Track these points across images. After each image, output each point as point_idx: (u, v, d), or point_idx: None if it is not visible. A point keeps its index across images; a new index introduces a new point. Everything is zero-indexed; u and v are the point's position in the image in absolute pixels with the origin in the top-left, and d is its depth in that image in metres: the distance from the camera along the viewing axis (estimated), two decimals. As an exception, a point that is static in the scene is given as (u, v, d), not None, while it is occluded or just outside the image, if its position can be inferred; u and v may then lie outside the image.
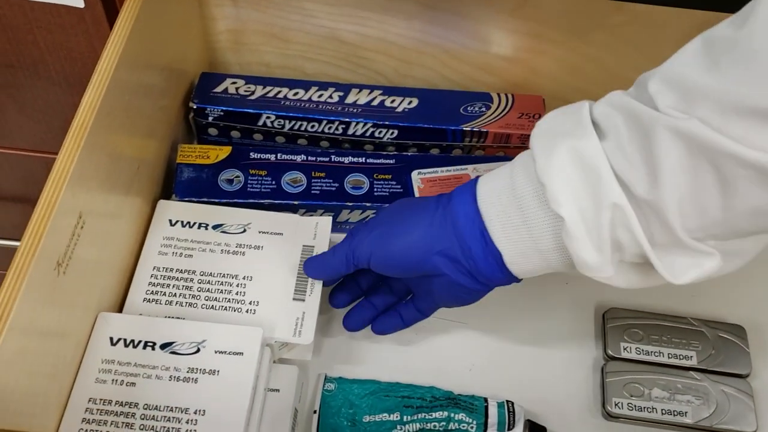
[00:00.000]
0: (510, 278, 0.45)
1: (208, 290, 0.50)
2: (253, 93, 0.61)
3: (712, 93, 0.34)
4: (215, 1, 0.62)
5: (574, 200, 0.39)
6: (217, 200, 0.55)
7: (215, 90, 0.61)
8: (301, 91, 0.61)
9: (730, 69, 0.34)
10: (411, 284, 0.51)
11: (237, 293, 0.50)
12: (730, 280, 0.58)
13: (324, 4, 0.61)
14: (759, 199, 0.35)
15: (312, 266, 0.50)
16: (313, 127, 0.60)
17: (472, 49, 0.63)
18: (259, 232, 0.53)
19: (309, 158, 0.58)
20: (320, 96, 0.61)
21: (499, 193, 0.43)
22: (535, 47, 0.62)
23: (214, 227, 0.53)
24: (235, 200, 0.55)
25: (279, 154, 0.58)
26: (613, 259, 0.40)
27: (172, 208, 0.54)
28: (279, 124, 0.60)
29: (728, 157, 0.34)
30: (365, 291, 0.53)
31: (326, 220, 0.54)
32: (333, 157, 0.58)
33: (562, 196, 0.39)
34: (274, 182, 0.56)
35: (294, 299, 0.50)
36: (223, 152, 0.58)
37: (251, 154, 0.58)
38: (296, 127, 0.60)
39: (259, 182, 0.56)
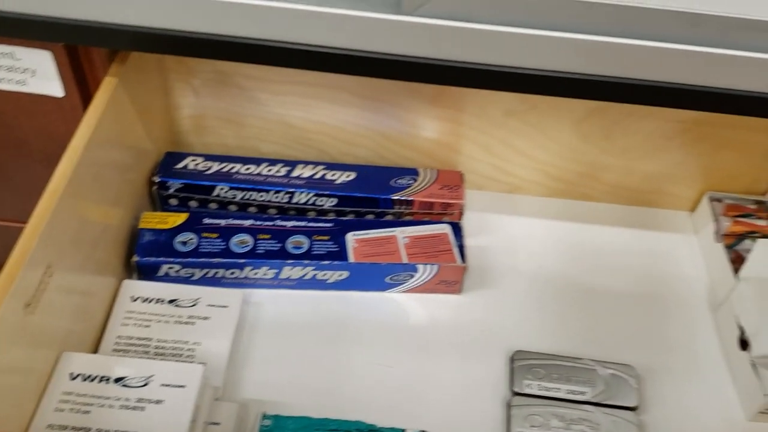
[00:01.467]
0: None
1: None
2: (209, 168, 0.70)
3: None
4: (179, 92, 0.72)
5: None
6: (172, 259, 0.63)
7: (177, 166, 0.70)
8: (253, 167, 0.71)
9: None
10: None
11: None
12: (622, 326, 0.67)
13: (274, 94, 0.71)
14: None
15: None
16: (261, 196, 0.69)
17: (402, 132, 0.73)
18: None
19: (256, 223, 0.67)
20: (269, 170, 0.70)
21: None
22: (454, 130, 0.72)
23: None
24: (189, 259, 0.64)
25: (230, 220, 0.67)
26: None
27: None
28: (231, 195, 0.69)
29: None
30: None
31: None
32: (277, 221, 0.67)
33: None
34: (224, 243, 0.65)
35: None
36: (180, 218, 0.66)
37: (205, 219, 0.66)
38: (247, 197, 0.69)
39: (211, 244, 0.65)
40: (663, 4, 0.50)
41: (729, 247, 0.71)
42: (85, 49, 0.60)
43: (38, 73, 0.60)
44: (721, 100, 0.54)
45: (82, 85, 0.62)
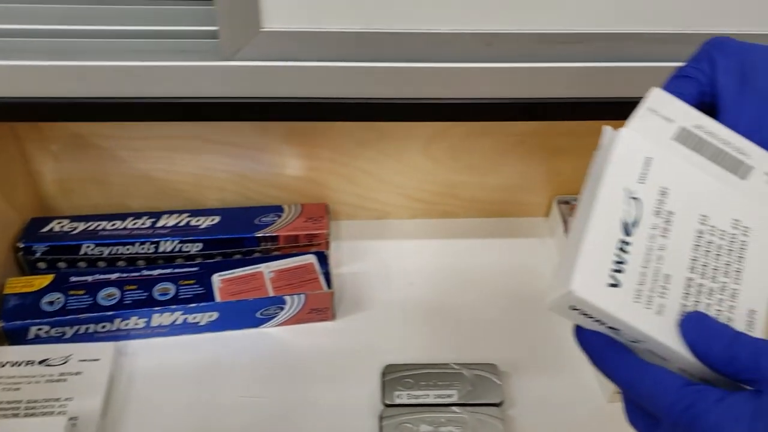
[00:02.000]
0: None
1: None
2: (75, 229, 0.71)
3: None
4: (38, 159, 0.73)
5: None
6: (39, 320, 0.64)
7: (42, 230, 0.71)
8: (118, 222, 0.72)
9: None
10: None
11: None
12: (489, 329, 0.71)
13: (134, 150, 0.74)
14: None
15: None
16: (128, 249, 0.71)
17: (264, 172, 0.76)
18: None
19: (123, 275, 0.68)
20: (135, 224, 0.72)
21: None
22: (313, 165, 0.76)
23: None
24: (57, 318, 0.64)
25: (96, 275, 0.68)
26: None
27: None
28: (98, 252, 0.70)
29: None
30: None
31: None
32: (143, 271, 0.69)
33: None
34: (91, 299, 0.66)
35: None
36: (47, 280, 0.67)
37: (71, 278, 0.68)
38: (114, 252, 0.71)
39: (78, 300, 0.66)
40: (461, 27, 0.55)
41: (579, 245, 0.76)
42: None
43: None
44: (529, 109, 0.60)
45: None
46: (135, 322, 0.67)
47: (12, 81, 0.56)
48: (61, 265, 0.71)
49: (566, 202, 0.80)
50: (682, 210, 0.38)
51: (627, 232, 0.37)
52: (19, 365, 0.62)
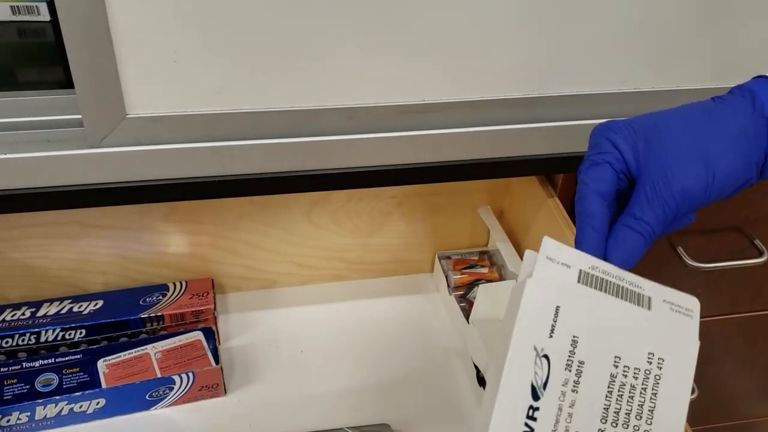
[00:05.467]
0: None
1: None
2: (-51, 325, 0.69)
3: None
4: None
5: None
6: None
7: None
8: (-5, 315, 0.70)
9: None
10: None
11: None
12: (384, 386, 0.72)
13: (8, 240, 0.72)
14: None
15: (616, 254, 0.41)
16: (7, 342, 0.69)
17: (146, 252, 0.76)
18: None
19: (1, 369, 0.66)
20: (13, 315, 0.70)
21: None
22: (196, 241, 0.77)
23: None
24: (-71, 422, 0.62)
25: (-28, 372, 0.66)
26: None
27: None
28: (-25, 347, 0.68)
29: None
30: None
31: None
32: (24, 363, 0.67)
33: None
34: (-33, 398, 0.64)
35: None
36: None
37: (-55, 377, 0.65)
38: (-9, 347, 0.69)
39: (-47, 401, 0.63)
40: (322, 104, 0.58)
41: (462, 297, 0.79)
42: None
43: None
44: (396, 176, 0.63)
45: None
46: (18, 417, 0.64)
47: None
48: (-66, 365, 0.68)
49: (448, 257, 0.83)
50: (594, 356, 0.38)
51: (536, 396, 0.37)
52: None
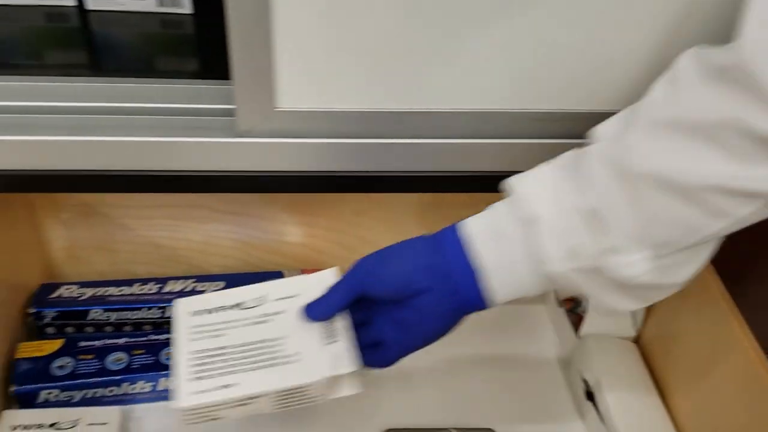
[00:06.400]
0: (483, 299, 0.51)
1: (249, 357, 0.54)
2: (84, 295, 0.74)
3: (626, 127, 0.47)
4: (49, 227, 0.76)
5: (542, 206, 0.48)
6: (49, 385, 0.66)
7: (51, 296, 0.73)
8: (125, 288, 0.75)
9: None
10: (393, 313, 0.55)
11: (276, 352, 0.54)
12: (483, 391, 0.73)
13: (140, 219, 0.77)
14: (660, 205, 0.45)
15: (314, 309, 0.55)
16: (135, 315, 0.73)
17: (266, 240, 0.80)
18: (276, 300, 0.58)
19: (131, 340, 0.70)
20: (141, 289, 0.75)
21: (479, 219, 0.52)
22: (311, 232, 0.79)
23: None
24: (66, 382, 0.66)
25: (105, 340, 0.70)
26: (572, 265, 0.48)
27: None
28: (106, 317, 0.73)
29: (632, 170, 0.44)
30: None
31: (331, 272, 0.60)
32: (151, 336, 0.71)
33: (533, 204, 0.48)
34: (99, 363, 0.68)
35: (326, 344, 0.55)
36: (56, 344, 0.69)
37: (80, 343, 0.70)
38: (121, 317, 0.73)
39: (87, 365, 0.68)
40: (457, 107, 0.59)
41: (570, 311, 0.79)
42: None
43: None
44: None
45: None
46: (142, 386, 0.68)
47: (34, 155, 0.59)
48: (69, 330, 0.73)
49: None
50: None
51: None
52: (29, 429, 0.64)
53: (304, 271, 0.79)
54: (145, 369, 0.68)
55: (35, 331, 0.73)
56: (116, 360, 0.68)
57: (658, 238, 0.46)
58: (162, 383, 0.69)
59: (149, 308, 0.73)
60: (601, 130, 0.50)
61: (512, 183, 0.52)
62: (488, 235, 0.51)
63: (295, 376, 0.53)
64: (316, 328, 0.56)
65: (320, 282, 0.59)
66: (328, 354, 0.54)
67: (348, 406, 0.71)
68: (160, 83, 0.61)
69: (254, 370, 0.53)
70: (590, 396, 0.71)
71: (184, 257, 0.80)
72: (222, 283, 0.76)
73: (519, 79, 0.57)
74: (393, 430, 0.68)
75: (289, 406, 0.55)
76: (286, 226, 0.78)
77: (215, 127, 0.59)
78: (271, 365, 0.53)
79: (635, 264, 0.47)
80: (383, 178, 0.64)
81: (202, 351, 0.54)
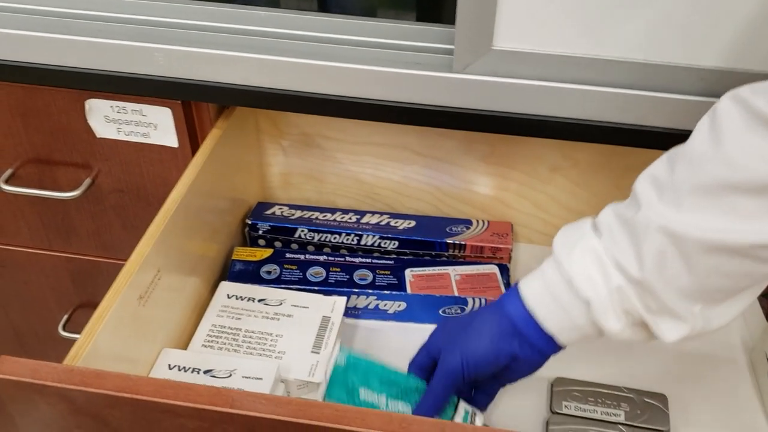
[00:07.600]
0: (558, 347, 0.58)
1: (249, 343, 0.68)
2: (293, 215, 0.82)
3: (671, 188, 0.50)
4: (271, 152, 0.85)
5: (593, 288, 0.53)
6: (258, 285, 0.74)
7: (266, 212, 0.82)
8: (329, 214, 0.82)
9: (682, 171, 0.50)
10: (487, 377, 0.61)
11: (270, 346, 0.68)
12: (658, 358, 0.72)
13: (349, 153, 0.83)
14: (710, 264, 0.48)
15: (424, 408, 0.60)
16: (335, 238, 0.80)
17: (458, 187, 0.84)
18: (291, 305, 0.71)
19: (329, 258, 0.77)
20: (342, 218, 0.82)
21: (540, 293, 0.56)
22: (504, 185, 0.82)
23: (259, 300, 0.72)
24: (271, 285, 0.74)
25: (307, 255, 0.78)
26: (627, 323, 0.54)
27: (230, 287, 0.73)
28: (310, 237, 0.80)
29: (683, 237, 0.48)
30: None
31: (341, 300, 0.71)
32: (347, 257, 0.78)
33: (585, 286, 0.53)
34: (301, 274, 0.75)
35: (312, 352, 0.67)
36: (266, 253, 0.78)
37: (286, 254, 0.78)
38: (323, 239, 0.80)
39: (291, 273, 0.75)
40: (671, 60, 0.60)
41: (763, 296, 0.76)
42: (196, 107, 0.74)
43: (159, 127, 0.75)
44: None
45: (192, 137, 0.76)
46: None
47: (280, 75, 0.67)
48: (277, 244, 0.81)
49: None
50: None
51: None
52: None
53: (490, 222, 0.82)
54: (339, 285, 0.75)
55: (249, 240, 0.82)
56: (315, 273, 0.76)
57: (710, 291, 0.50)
58: (352, 300, 0.75)
59: (348, 234, 0.80)
60: (646, 193, 0.52)
61: (560, 258, 0.55)
62: (549, 307, 0.56)
63: (275, 370, 0.63)
64: (310, 337, 0.68)
65: (332, 305, 0.71)
66: (310, 361, 0.66)
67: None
68: (386, 22, 0.67)
69: (249, 355, 0.67)
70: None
71: (381, 195, 0.86)
72: (413, 222, 0.81)
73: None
74: (563, 379, 0.69)
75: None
76: (480, 176, 0.82)
77: (434, 63, 0.64)
78: (260, 354, 0.67)
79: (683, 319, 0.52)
80: (595, 126, 0.65)
81: (222, 326, 0.69)
